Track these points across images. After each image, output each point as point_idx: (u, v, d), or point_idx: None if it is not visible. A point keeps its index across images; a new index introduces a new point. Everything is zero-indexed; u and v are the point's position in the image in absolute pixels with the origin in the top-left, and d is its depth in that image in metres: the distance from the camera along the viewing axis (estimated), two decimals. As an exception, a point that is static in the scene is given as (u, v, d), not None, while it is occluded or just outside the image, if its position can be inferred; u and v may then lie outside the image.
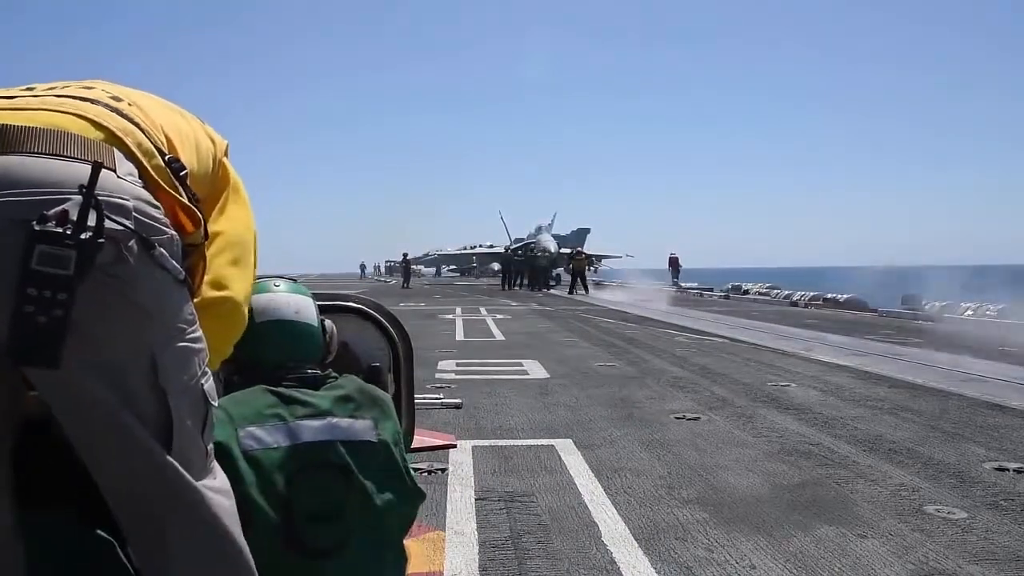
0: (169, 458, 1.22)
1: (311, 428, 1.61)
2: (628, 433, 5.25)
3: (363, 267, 73.90)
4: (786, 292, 24.30)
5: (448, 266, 74.67)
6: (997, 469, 4.34)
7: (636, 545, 3.17)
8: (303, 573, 1.55)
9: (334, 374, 1.78)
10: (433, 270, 75.63)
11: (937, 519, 3.50)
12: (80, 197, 1.11)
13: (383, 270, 75.91)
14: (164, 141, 1.37)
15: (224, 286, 1.52)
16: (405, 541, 1.76)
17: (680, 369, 8.48)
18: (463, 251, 63.98)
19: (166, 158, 1.33)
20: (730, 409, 6.14)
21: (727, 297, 26.54)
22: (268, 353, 1.73)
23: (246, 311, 1.57)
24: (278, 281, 1.87)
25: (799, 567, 2.96)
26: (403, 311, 15.89)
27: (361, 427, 1.67)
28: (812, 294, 22.39)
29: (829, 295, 21.43)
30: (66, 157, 1.18)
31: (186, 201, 1.34)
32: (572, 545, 3.17)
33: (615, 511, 3.59)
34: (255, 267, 1.63)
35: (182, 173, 1.36)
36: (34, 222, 1.08)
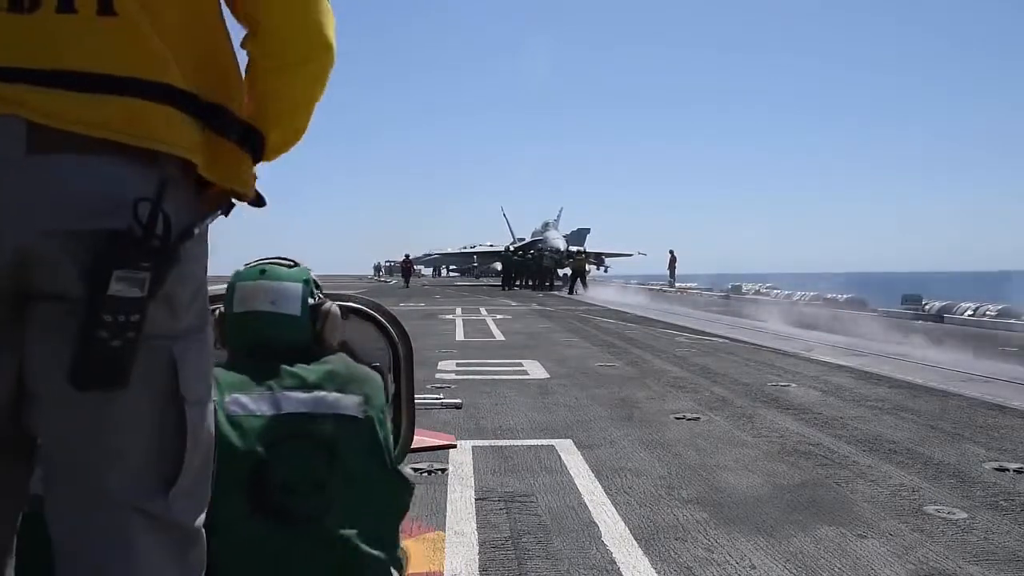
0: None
1: (296, 399, 1.63)
2: (628, 433, 5.25)
3: (378, 267, 74.70)
4: (785, 292, 24.31)
5: (449, 266, 74.68)
6: (997, 469, 4.34)
7: (636, 545, 3.17)
8: (275, 541, 1.55)
9: (326, 354, 1.78)
10: (431, 270, 75.67)
11: (937, 519, 3.50)
12: (139, 207, 1.02)
13: (383, 270, 76.08)
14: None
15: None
16: (405, 541, 1.76)
17: (680, 369, 8.47)
18: (464, 251, 63.89)
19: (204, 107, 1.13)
20: (730, 409, 6.13)
21: (727, 297, 26.54)
22: (244, 343, 1.76)
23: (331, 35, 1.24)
24: (267, 265, 1.85)
25: (799, 567, 2.95)
26: (403, 311, 15.89)
27: (349, 402, 1.67)
28: (812, 294, 22.40)
29: (829, 295, 21.44)
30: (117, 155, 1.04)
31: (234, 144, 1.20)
32: (572, 545, 3.17)
33: (615, 511, 3.59)
34: None
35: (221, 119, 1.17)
36: (110, 246, 1.00)
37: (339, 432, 1.63)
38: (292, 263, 1.89)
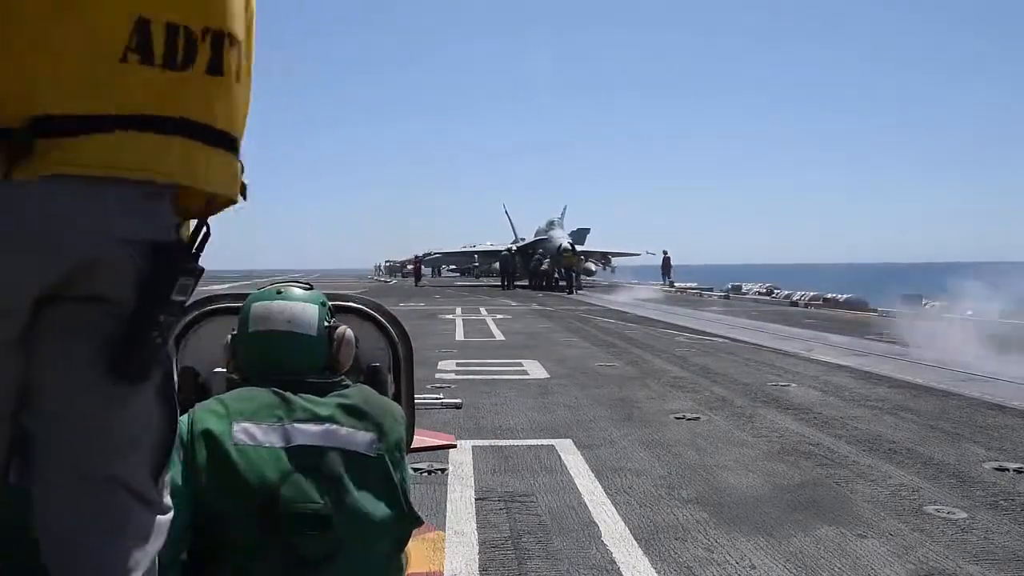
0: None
1: (307, 432, 1.58)
2: (628, 433, 5.25)
3: (378, 267, 75.22)
4: (786, 292, 24.32)
5: (448, 266, 74.44)
6: (997, 469, 4.34)
7: (636, 545, 3.17)
8: None
9: (346, 382, 1.74)
10: (431, 270, 75.42)
11: (937, 519, 3.50)
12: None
13: (383, 270, 76.04)
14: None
15: None
16: None
17: (680, 369, 8.47)
18: (464, 250, 63.68)
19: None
20: (730, 409, 6.14)
21: (727, 297, 26.53)
22: (258, 364, 1.72)
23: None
24: (283, 287, 1.83)
25: (799, 567, 2.95)
26: (403, 311, 15.89)
27: (361, 439, 1.62)
28: (812, 294, 22.40)
29: (829, 295, 21.43)
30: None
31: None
32: (572, 545, 3.17)
33: (615, 511, 3.59)
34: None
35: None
36: (174, 255, 1.10)
37: (348, 469, 1.58)
38: (308, 286, 1.88)
